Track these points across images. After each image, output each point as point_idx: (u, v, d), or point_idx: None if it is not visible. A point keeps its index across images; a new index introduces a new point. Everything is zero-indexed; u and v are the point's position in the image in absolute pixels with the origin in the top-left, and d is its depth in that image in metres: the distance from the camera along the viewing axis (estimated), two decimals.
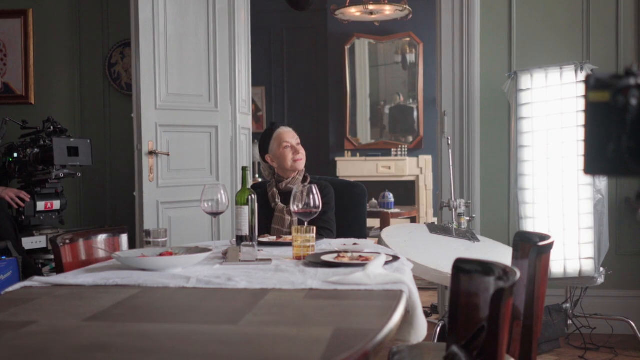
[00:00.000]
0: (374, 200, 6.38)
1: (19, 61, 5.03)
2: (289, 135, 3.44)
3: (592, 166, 0.99)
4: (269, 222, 3.31)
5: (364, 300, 1.80)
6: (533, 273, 2.14)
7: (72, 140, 4.37)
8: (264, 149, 3.49)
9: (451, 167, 4.26)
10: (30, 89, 5.03)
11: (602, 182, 3.89)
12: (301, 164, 3.42)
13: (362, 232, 3.55)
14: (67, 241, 2.62)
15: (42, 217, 4.42)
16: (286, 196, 3.33)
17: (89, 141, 4.44)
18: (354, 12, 7.11)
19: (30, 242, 4.32)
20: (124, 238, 2.92)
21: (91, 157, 4.41)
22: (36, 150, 4.33)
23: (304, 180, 3.41)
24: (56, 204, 4.49)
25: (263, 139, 3.52)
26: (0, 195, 4.27)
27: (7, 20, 5.00)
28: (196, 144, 4.48)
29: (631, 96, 0.96)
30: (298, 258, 2.45)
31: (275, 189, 3.40)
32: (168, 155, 4.30)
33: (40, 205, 4.40)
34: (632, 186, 4.29)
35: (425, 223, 4.35)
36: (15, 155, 4.40)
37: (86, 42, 5.03)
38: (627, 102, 0.96)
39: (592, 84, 0.98)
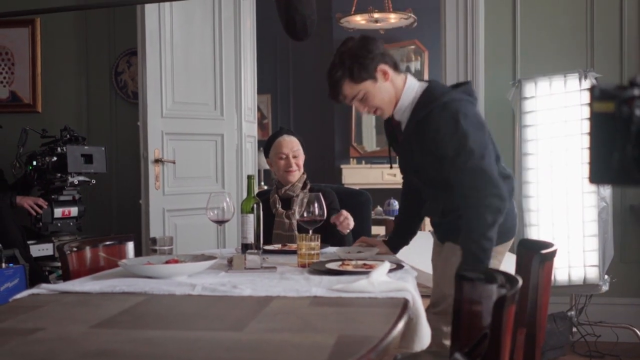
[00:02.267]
0: (379, 208, 6.39)
1: (26, 70, 5.07)
2: (287, 146, 3.43)
3: (597, 175, 1.01)
4: (271, 229, 3.32)
5: (367, 307, 1.81)
6: (536, 281, 2.15)
7: (86, 147, 4.43)
8: (266, 153, 3.54)
9: None
10: (37, 98, 5.07)
11: (607, 190, 3.89)
12: (293, 177, 3.41)
13: None
14: (74, 249, 2.64)
15: (59, 224, 4.48)
16: (286, 202, 3.38)
17: (103, 148, 4.49)
18: (359, 20, 7.14)
19: (38, 250, 4.35)
20: (130, 246, 2.94)
21: (105, 165, 4.47)
22: (54, 158, 4.39)
23: (304, 186, 3.41)
24: (73, 211, 4.55)
25: (267, 143, 3.56)
26: (20, 204, 4.36)
27: (15, 29, 5.04)
28: (202, 152, 4.51)
29: (636, 107, 0.98)
30: (303, 266, 2.46)
31: (276, 195, 3.42)
32: (174, 163, 4.32)
33: (58, 212, 4.47)
34: (636, 194, 4.28)
35: (429, 230, 4.35)
36: (35, 163, 4.48)
37: (93, 51, 5.06)
38: (632, 113, 0.98)
39: (597, 95, 0.99)
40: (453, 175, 2.39)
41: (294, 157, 3.42)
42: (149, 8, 4.18)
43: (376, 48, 2.47)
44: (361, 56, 2.45)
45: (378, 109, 2.54)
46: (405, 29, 7.44)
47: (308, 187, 3.43)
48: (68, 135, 4.46)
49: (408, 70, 8.90)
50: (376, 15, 6.97)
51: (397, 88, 2.50)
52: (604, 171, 0.99)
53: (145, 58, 4.20)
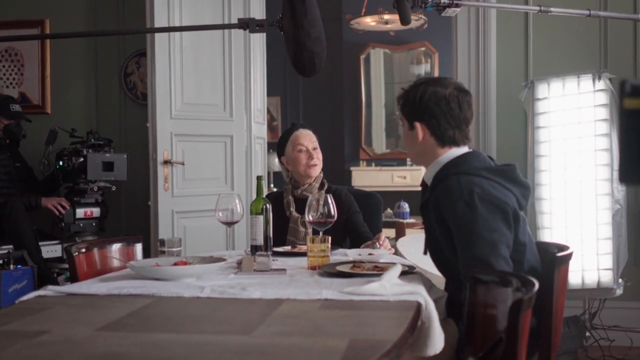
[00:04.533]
0: (389, 210, 6.35)
1: (35, 71, 5.07)
2: (305, 138, 3.29)
3: (629, 175, 0.96)
4: (284, 231, 3.21)
5: (379, 310, 1.77)
6: (551, 284, 2.10)
7: (107, 155, 4.44)
8: (280, 150, 3.37)
9: None
10: (46, 99, 5.07)
11: (621, 192, 3.84)
12: (315, 171, 3.26)
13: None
14: (82, 250, 2.62)
15: (81, 225, 4.52)
16: (301, 204, 3.25)
17: (125, 156, 4.49)
18: (369, 22, 7.10)
19: (46, 251, 4.35)
20: (139, 247, 2.92)
21: (126, 172, 4.47)
22: (80, 159, 4.42)
23: (321, 187, 3.27)
24: (96, 212, 4.59)
25: (280, 140, 3.39)
26: (44, 205, 4.42)
27: (24, 31, 5.02)
28: (211, 154, 4.49)
29: None
30: (313, 268, 2.43)
31: (290, 197, 3.28)
32: (183, 164, 4.30)
33: (80, 213, 4.51)
34: None
35: None
36: (61, 163, 4.53)
37: (102, 52, 5.05)
38: None
39: (628, 90, 0.95)
40: (459, 261, 2.15)
41: (314, 149, 3.27)
42: (158, 9, 4.17)
43: (437, 107, 2.25)
44: (417, 99, 2.28)
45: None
46: (415, 30, 7.40)
47: (325, 187, 3.28)
48: (92, 140, 4.48)
49: (419, 77, 8.86)
50: (386, 16, 6.93)
51: (432, 153, 2.30)
52: (635, 170, 0.95)
53: (155, 59, 4.19)
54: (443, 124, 2.26)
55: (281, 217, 3.20)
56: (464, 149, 2.30)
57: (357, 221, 3.23)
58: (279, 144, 3.39)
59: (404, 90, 2.37)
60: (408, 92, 2.34)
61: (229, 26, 2.36)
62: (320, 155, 3.30)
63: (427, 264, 3.15)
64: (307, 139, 3.30)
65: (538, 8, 3.14)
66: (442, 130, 2.26)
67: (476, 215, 2.09)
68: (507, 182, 2.19)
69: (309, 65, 2.31)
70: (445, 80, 2.33)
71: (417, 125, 2.28)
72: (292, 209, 3.26)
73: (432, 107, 2.26)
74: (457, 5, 2.95)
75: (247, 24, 2.12)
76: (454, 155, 2.28)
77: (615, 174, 3.80)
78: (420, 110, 2.27)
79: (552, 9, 3.12)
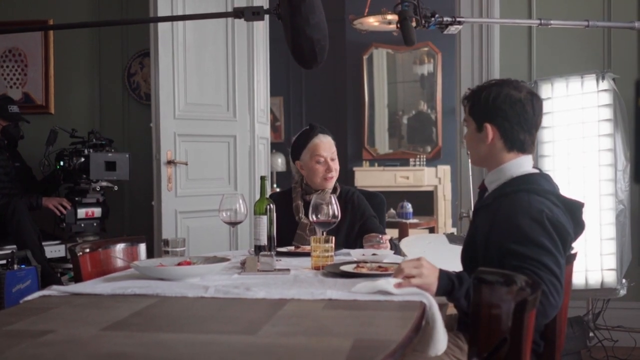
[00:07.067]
0: (392, 211, 6.35)
1: (39, 71, 5.07)
2: (325, 149, 3.16)
3: None
4: (289, 232, 3.14)
5: (384, 310, 1.78)
6: None
7: (109, 155, 4.43)
8: (295, 154, 3.23)
9: (471, 177, 4.23)
10: (50, 99, 5.07)
11: (625, 192, 3.84)
12: (331, 183, 3.15)
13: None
14: (86, 250, 2.62)
15: (82, 225, 4.52)
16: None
17: (127, 155, 4.48)
18: (372, 22, 7.09)
19: (50, 251, 4.35)
20: (142, 247, 2.92)
21: (129, 171, 4.47)
22: (81, 159, 4.42)
23: (334, 191, 3.17)
24: (97, 212, 4.59)
25: (297, 143, 3.26)
26: (45, 205, 4.42)
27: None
28: (214, 154, 4.49)
29: None
30: (317, 268, 2.43)
31: (300, 201, 3.19)
32: (186, 164, 4.30)
33: (81, 213, 4.51)
34: None
35: (444, 233, 4.31)
36: (62, 163, 4.52)
37: (105, 52, 5.06)
38: None
39: None
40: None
41: (332, 159, 3.17)
42: (162, 9, 4.17)
43: (512, 110, 2.18)
44: (490, 100, 2.21)
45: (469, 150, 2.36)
46: (418, 30, 7.34)
47: (338, 191, 3.19)
48: (94, 140, 4.48)
49: (422, 78, 8.86)
50: (389, 17, 6.92)
51: (498, 157, 2.24)
52: None
53: (158, 59, 4.19)
54: (515, 127, 2.20)
55: (288, 219, 3.15)
56: (529, 160, 2.25)
57: (374, 227, 3.14)
58: (294, 147, 3.27)
59: (472, 90, 2.30)
60: (478, 92, 2.26)
61: (224, 15, 2.30)
62: (337, 166, 3.18)
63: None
64: (327, 148, 3.18)
65: (538, 22, 3.17)
66: (514, 133, 2.20)
67: (543, 230, 2.04)
68: (568, 216, 2.17)
69: (309, 55, 2.24)
70: (518, 83, 2.26)
71: (487, 126, 2.21)
72: (302, 214, 3.17)
73: (506, 110, 2.19)
74: (459, 23, 2.94)
75: (243, 12, 2.06)
76: (520, 166, 2.23)
77: (619, 174, 3.79)
78: (493, 112, 2.21)
79: (551, 21, 3.14)
